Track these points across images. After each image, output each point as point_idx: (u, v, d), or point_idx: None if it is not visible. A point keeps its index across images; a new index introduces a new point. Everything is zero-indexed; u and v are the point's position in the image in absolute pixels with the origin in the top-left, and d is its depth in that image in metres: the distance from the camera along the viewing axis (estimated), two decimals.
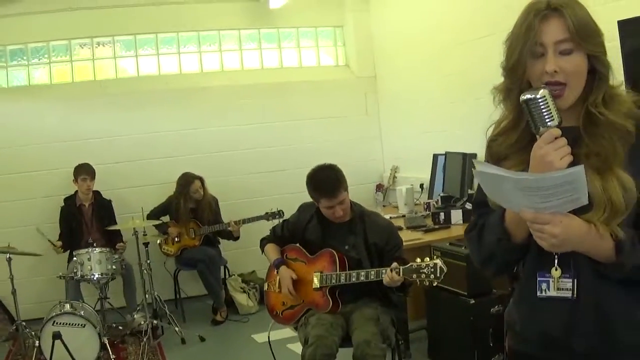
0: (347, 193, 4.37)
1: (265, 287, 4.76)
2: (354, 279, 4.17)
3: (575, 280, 1.97)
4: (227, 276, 7.77)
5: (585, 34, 1.88)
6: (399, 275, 3.92)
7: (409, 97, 8.11)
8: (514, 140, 2.03)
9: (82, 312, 5.58)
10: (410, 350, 5.54)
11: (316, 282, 4.32)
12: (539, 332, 2.07)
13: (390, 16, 8.47)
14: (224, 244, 7.69)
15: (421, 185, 7.50)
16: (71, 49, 7.94)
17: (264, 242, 4.79)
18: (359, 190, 7.91)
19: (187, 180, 7.32)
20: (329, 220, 4.44)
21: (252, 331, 6.63)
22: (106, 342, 5.74)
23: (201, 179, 7.40)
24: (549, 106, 1.84)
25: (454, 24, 6.78)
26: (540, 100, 1.84)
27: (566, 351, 2.01)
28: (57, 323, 5.42)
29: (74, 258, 6.35)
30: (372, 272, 4.09)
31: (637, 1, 4.58)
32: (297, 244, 4.62)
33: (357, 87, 8.96)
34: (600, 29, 1.93)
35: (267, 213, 7.05)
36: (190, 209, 7.37)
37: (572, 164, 1.84)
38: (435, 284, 3.92)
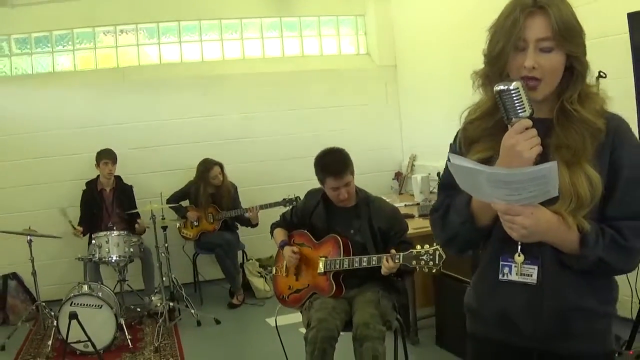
0: (352, 177, 4.44)
1: (273, 272, 4.86)
2: (357, 264, 4.24)
3: (538, 267, 2.04)
4: (244, 260, 7.88)
5: (567, 35, 1.93)
6: (395, 262, 3.99)
7: (428, 86, 8.14)
8: (490, 125, 2.08)
9: (99, 294, 5.73)
10: (418, 336, 5.62)
11: (321, 267, 4.40)
12: (496, 312, 2.14)
13: (412, 5, 8.50)
14: (242, 230, 7.80)
15: (438, 174, 7.53)
16: (95, 36, 8.07)
17: (273, 226, 4.89)
18: (377, 178, 8.01)
19: (206, 166, 7.43)
20: (334, 206, 4.51)
21: (267, 315, 6.69)
22: (122, 323, 5.89)
23: (221, 165, 7.51)
24: (521, 98, 1.88)
25: (473, 12, 6.77)
26: (513, 91, 1.88)
27: (521, 333, 2.08)
28: (74, 304, 5.58)
29: (93, 241, 6.50)
30: (375, 258, 4.16)
31: None
32: (305, 230, 4.70)
33: (377, 76, 9.02)
34: (583, 29, 1.98)
35: (284, 199, 7.15)
36: (209, 194, 7.48)
37: (542, 155, 1.91)
38: (434, 270, 3.98)
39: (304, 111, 8.64)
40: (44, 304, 6.29)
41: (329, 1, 8.89)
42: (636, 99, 4.59)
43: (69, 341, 5.20)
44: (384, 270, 4.07)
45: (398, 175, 8.69)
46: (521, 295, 2.06)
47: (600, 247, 1.93)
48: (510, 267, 2.08)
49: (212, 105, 8.29)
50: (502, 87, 1.90)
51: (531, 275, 2.04)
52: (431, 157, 8.06)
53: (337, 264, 4.33)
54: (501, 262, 2.10)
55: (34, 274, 6.13)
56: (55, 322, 5.65)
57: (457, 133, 2.22)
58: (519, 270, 2.06)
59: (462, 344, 4.98)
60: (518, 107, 1.88)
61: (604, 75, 4.00)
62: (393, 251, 4.07)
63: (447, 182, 2.22)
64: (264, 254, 8.04)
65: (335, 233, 4.46)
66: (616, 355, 4.09)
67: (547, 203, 1.89)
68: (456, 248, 2.26)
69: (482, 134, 2.07)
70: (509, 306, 2.09)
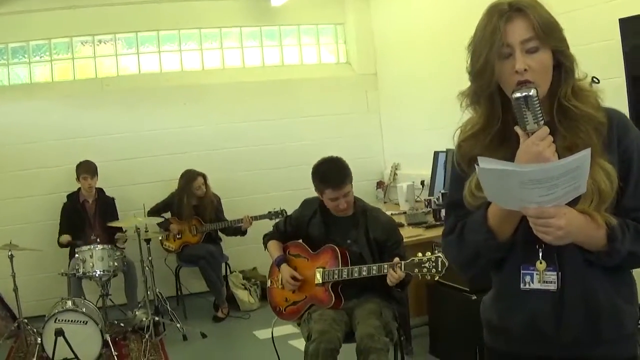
0: (351, 186, 4.39)
1: (269, 284, 4.77)
2: (355, 274, 4.18)
3: (560, 272, 2.00)
4: (228, 273, 7.78)
5: (548, 31, 1.91)
6: (401, 270, 3.94)
7: (409, 94, 8.12)
8: (487, 142, 2.04)
9: (84, 309, 5.59)
10: (412, 345, 5.56)
11: (318, 278, 4.33)
12: (522, 324, 2.08)
13: (391, 13, 8.48)
14: (226, 241, 7.70)
15: (422, 182, 7.52)
16: (73, 46, 7.94)
17: (266, 238, 4.79)
18: (359, 187, 7.82)
19: (190, 177, 7.33)
20: (331, 215, 4.45)
21: (254, 328, 6.66)
22: (108, 339, 5.74)
23: (204, 176, 7.41)
24: (540, 104, 1.86)
25: (453, 20, 6.78)
26: (534, 97, 1.84)
27: (550, 343, 2.05)
28: (59, 320, 5.42)
29: (76, 255, 6.34)
30: (374, 267, 4.11)
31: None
32: (300, 240, 4.63)
33: (358, 84, 8.98)
34: (560, 24, 1.96)
35: (269, 212, 7.11)
36: (192, 205, 7.39)
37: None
38: (437, 277, 3.94)
39: (285, 121, 8.57)
40: (25, 320, 6.12)
41: (308, 10, 8.83)
42: (628, 104, 4.63)
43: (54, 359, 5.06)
44: (391, 281, 4.01)
45: (380, 184, 8.65)
46: (546, 302, 2.02)
47: (628, 240, 1.92)
48: (532, 275, 2.03)
49: (192, 115, 8.19)
50: (524, 94, 1.85)
51: (554, 282, 2.01)
52: (414, 165, 8.03)
53: (335, 275, 4.27)
54: (522, 271, 2.05)
55: (15, 290, 5.97)
56: (40, 339, 5.49)
57: (453, 155, 2.17)
58: (541, 278, 2.02)
59: (457, 353, 5.00)
60: (539, 113, 1.85)
61: (597, 81, 4.00)
62: (397, 259, 4.01)
63: (454, 201, 2.19)
64: (248, 266, 7.98)
65: (332, 243, 4.40)
66: None
67: (570, 204, 1.86)
68: (477, 269, 2.19)
69: (480, 151, 1.99)
70: (536, 315, 2.04)
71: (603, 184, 1.88)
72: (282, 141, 8.53)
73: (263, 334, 6.22)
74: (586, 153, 1.72)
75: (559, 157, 1.88)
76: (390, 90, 8.77)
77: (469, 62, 2.01)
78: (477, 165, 1.79)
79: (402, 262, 3.96)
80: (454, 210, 2.21)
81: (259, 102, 8.46)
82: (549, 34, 1.91)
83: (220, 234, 7.61)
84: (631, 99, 4.63)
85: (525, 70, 1.88)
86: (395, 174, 8.43)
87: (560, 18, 1.97)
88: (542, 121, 1.85)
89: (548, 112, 1.97)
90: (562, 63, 1.95)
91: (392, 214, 5.91)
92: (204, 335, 6.54)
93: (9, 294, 6.32)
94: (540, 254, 2.01)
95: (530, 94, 1.84)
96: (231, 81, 8.40)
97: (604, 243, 1.92)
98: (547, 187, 1.75)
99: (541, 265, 2.01)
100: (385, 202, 8.14)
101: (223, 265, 7.66)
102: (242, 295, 7.51)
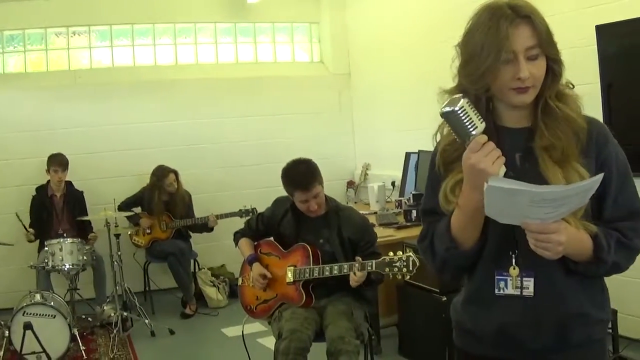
0: (321, 187, 4.38)
1: (239, 282, 4.76)
2: (327, 273, 4.18)
3: (534, 278, 2.02)
4: (197, 270, 7.77)
5: (549, 40, 1.93)
6: (368, 269, 3.97)
7: (382, 95, 8.16)
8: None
9: (52, 303, 5.53)
10: (381, 346, 5.58)
11: (290, 276, 4.33)
12: (494, 329, 2.10)
13: (366, 14, 8.52)
14: (195, 238, 7.69)
15: (393, 183, 7.55)
16: (47, 37, 7.87)
17: (237, 235, 4.77)
18: (330, 187, 7.83)
19: (162, 173, 7.29)
20: (303, 215, 4.44)
21: (222, 325, 6.65)
22: (76, 333, 5.69)
23: (175, 173, 7.38)
24: (469, 115, 1.84)
25: (428, 23, 6.84)
26: (459, 111, 1.84)
27: (520, 349, 2.06)
28: (27, 313, 5.35)
29: (45, 248, 6.29)
30: (345, 266, 4.11)
31: (614, 7, 4.70)
32: (271, 238, 4.63)
33: (331, 84, 9.01)
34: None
35: (240, 210, 7.13)
36: (163, 201, 7.35)
37: (530, 158, 1.97)
38: (408, 277, 3.98)
39: (257, 118, 8.56)
40: None
41: (283, 8, 8.83)
42: (602, 110, 4.73)
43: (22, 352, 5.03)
44: (352, 283, 4.04)
45: (351, 184, 8.67)
46: (519, 308, 2.04)
47: (613, 249, 1.95)
48: (505, 281, 2.05)
49: (165, 110, 8.15)
50: (448, 109, 1.86)
51: (527, 288, 2.03)
52: (385, 165, 8.09)
53: (306, 273, 4.27)
54: (497, 277, 2.07)
55: None
56: (7, 332, 5.42)
57: (433, 156, 2.17)
58: (514, 284, 2.03)
59: (426, 353, 5.03)
60: (469, 126, 1.84)
61: (571, 87, 4.06)
62: (359, 258, 4.04)
63: (428, 209, 2.22)
64: (216, 263, 7.98)
65: (304, 242, 4.40)
66: None
67: None
68: (449, 274, 2.23)
69: (459, 154, 1.98)
70: (508, 321, 2.06)
71: None
72: (254, 139, 8.52)
73: (231, 331, 6.22)
74: (599, 177, 1.74)
75: (534, 157, 1.94)
76: (363, 91, 8.80)
77: (460, 62, 1.99)
78: (486, 182, 1.76)
79: (373, 262, 3.98)
80: (427, 216, 2.24)
81: (232, 99, 8.45)
82: (549, 43, 1.93)
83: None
84: (605, 104, 4.71)
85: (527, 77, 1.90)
86: (366, 174, 8.47)
87: None
88: (474, 132, 1.84)
89: (527, 116, 2.02)
90: (552, 67, 1.96)
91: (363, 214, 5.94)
92: (172, 332, 6.51)
93: None
94: (514, 260, 2.03)
95: (454, 109, 1.84)
96: (204, 77, 8.38)
97: (590, 254, 1.94)
98: (554, 206, 1.75)
99: (514, 270, 2.03)
100: (355, 202, 8.16)
101: (192, 261, 7.65)
102: (210, 292, 7.50)
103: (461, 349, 2.28)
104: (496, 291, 2.07)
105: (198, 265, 7.83)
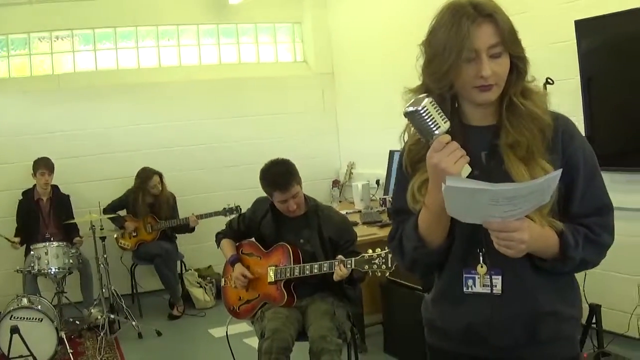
0: (300, 187, 4.41)
1: (222, 283, 4.80)
2: (307, 272, 4.22)
3: (502, 276, 2.04)
4: (183, 271, 7.79)
5: (512, 38, 1.94)
6: (347, 267, 4.01)
7: (366, 94, 8.17)
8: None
9: (39, 307, 5.55)
10: (366, 344, 5.62)
11: (271, 276, 4.38)
12: (462, 327, 2.13)
13: (348, 13, 8.54)
14: (181, 239, 7.71)
15: (377, 182, 7.59)
16: (30, 42, 7.87)
17: (219, 236, 4.81)
18: (315, 186, 7.97)
19: (146, 175, 7.33)
20: (283, 215, 4.48)
21: (209, 326, 6.68)
22: (63, 336, 5.73)
23: (160, 175, 7.42)
24: (432, 115, 1.86)
25: (411, 22, 6.85)
26: (422, 111, 1.85)
27: (488, 346, 2.09)
28: (14, 317, 5.38)
29: (31, 252, 6.32)
30: (326, 265, 4.16)
31: (593, 2, 4.71)
32: (253, 239, 4.67)
33: (314, 83, 9.02)
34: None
35: (224, 209, 7.16)
36: (148, 203, 7.38)
37: (495, 155, 1.98)
38: (387, 274, 4.01)
39: (241, 119, 8.57)
40: None
41: (265, 8, 8.83)
42: (582, 105, 4.75)
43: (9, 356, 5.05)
44: (336, 277, 4.06)
45: (336, 183, 8.70)
46: (487, 306, 2.06)
47: (580, 246, 1.96)
48: (474, 279, 2.08)
49: (149, 113, 8.16)
50: (411, 109, 1.87)
51: (496, 285, 2.04)
52: (369, 164, 8.11)
53: (287, 272, 4.32)
54: (464, 275, 2.10)
55: None
56: None
57: (401, 156, 2.19)
58: (482, 282, 2.06)
59: (411, 350, 5.06)
60: (432, 126, 1.86)
61: (551, 82, 4.10)
62: (341, 257, 4.08)
63: (398, 208, 2.23)
64: (203, 264, 8.00)
65: (284, 242, 4.44)
66: None
67: None
68: (419, 273, 2.29)
69: (425, 154, 1.98)
70: (476, 319, 2.08)
71: None
72: (238, 139, 8.53)
73: (218, 332, 6.24)
74: (557, 174, 1.75)
75: (499, 155, 1.96)
76: (346, 90, 8.83)
77: (424, 60, 2.00)
78: (444, 183, 1.76)
79: (352, 259, 4.02)
80: (396, 216, 2.25)
81: (216, 100, 8.46)
82: (512, 41, 1.94)
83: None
84: (585, 99, 4.75)
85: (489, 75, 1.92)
86: (350, 172, 8.49)
87: (516, 19, 2.00)
88: (437, 131, 1.86)
89: (493, 113, 2.03)
90: (516, 65, 1.97)
91: (347, 213, 5.97)
92: (159, 333, 6.55)
93: None
94: (481, 258, 2.05)
95: (417, 109, 1.85)
96: (188, 79, 8.39)
97: (556, 251, 1.96)
98: (515, 203, 1.75)
99: (482, 268, 2.05)
100: (340, 201, 8.19)
101: (178, 263, 7.69)
102: (197, 293, 7.53)
103: (432, 346, 2.32)
104: (465, 289, 2.09)
105: (185, 266, 7.86)
